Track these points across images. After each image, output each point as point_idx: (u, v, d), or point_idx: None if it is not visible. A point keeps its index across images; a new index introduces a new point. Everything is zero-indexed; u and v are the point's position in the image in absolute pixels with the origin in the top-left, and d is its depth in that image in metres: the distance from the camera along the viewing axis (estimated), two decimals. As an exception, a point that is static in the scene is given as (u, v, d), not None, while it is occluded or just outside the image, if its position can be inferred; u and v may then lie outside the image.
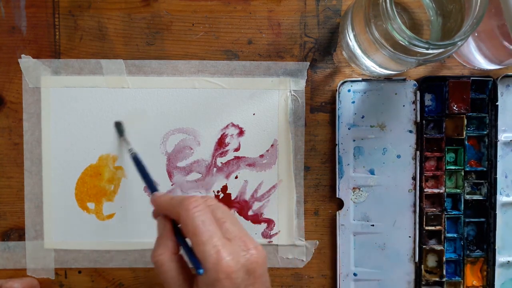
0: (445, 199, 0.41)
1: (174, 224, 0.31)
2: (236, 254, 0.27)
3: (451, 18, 0.34)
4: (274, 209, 0.42)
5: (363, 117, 0.41)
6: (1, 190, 0.42)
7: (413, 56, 0.32)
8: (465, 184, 0.41)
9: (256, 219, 0.42)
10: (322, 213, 0.42)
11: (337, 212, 0.41)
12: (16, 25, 0.41)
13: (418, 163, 0.41)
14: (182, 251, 0.30)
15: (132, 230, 0.41)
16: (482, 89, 0.41)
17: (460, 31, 0.30)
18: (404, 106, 0.41)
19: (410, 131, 0.41)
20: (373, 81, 0.41)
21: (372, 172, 0.41)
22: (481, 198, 0.41)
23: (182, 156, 0.41)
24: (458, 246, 0.41)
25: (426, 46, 0.30)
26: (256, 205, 0.42)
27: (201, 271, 0.27)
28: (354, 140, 0.41)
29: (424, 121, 0.40)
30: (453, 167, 0.41)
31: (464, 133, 0.40)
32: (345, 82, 0.41)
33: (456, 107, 0.40)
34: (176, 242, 0.30)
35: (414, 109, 0.41)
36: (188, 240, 0.29)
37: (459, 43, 0.30)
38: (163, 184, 0.41)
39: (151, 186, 0.35)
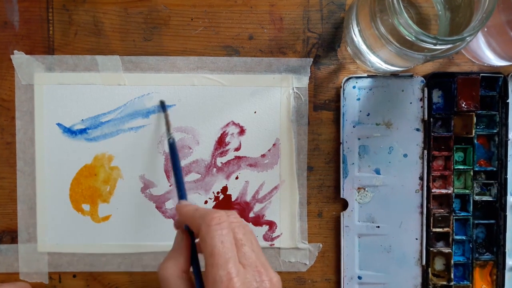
0: (454, 200, 0.41)
1: (192, 241, 0.31)
2: (248, 285, 0.26)
3: (459, 13, 0.34)
4: (276, 210, 0.42)
5: (368, 114, 0.41)
6: (-8, 191, 0.42)
7: (421, 52, 0.32)
8: (474, 185, 0.41)
9: (258, 221, 0.42)
10: (326, 214, 0.42)
11: (341, 213, 0.42)
12: (9, 20, 0.41)
13: (425, 163, 0.41)
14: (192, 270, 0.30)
15: (129, 233, 0.42)
16: (492, 86, 0.41)
17: (469, 26, 0.31)
18: (411, 103, 0.41)
19: (417, 129, 0.41)
20: (379, 78, 0.41)
21: (377, 171, 0.42)
22: (491, 199, 0.41)
23: (181, 156, 0.42)
24: (467, 249, 0.41)
25: (434, 41, 0.30)
26: (257, 207, 0.42)
27: None
28: (359, 139, 0.41)
29: (431, 119, 0.41)
30: (461, 167, 0.41)
31: (473, 131, 0.40)
32: (350, 78, 0.41)
33: (465, 105, 0.40)
34: (189, 260, 0.30)
35: (421, 107, 0.41)
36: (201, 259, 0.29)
37: (468, 38, 0.30)
38: (161, 185, 0.42)
39: (180, 189, 0.35)
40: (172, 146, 0.38)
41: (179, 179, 0.36)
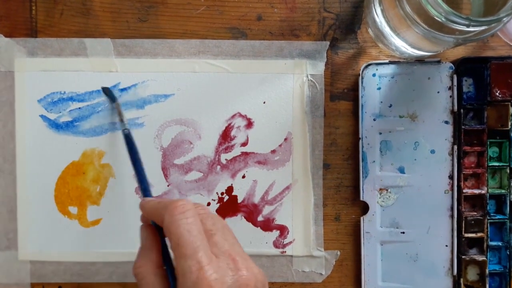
0: (488, 201, 0.42)
1: (161, 237, 0.32)
2: (223, 273, 0.28)
3: (495, -10, 0.35)
4: (288, 214, 0.43)
5: (390, 106, 0.42)
6: (-34, 192, 0.43)
7: (451, 35, 0.33)
8: (511, 184, 0.42)
9: (267, 225, 0.43)
10: (344, 218, 0.43)
11: (362, 218, 0.43)
12: (-14, -2, 0.42)
13: (455, 160, 0.42)
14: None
15: (122, 239, 0.43)
16: (530, 73, 0.42)
17: (506, 5, 0.31)
18: (438, 92, 0.42)
19: (446, 122, 0.42)
20: (402, 64, 0.42)
21: (401, 170, 0.42)
22: (530, 200, 0.42)
23: (180, 152, 0.43)
24: (504, 256, 0.42)
25: (467, 22, 0.31)
26: (267, 209, 0.43)
27: None
28: (380, 133, 0.42)
29: (462, 110, 0.41)
30: (496, 164, 0.42)
31: (510, 123, 0.41)
32: (369, 65, 0.42)
33: (499, 93, 0.41)
34: (160, 255, 0.31)
35: (450, 96, 0.42)
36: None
37: (504, 19, 0.31)
38: (158, 185, 0.43)
39: (143, 185, 0.36)
40: (129, 138, 0.39)
41: (140, 174, 0.36)
